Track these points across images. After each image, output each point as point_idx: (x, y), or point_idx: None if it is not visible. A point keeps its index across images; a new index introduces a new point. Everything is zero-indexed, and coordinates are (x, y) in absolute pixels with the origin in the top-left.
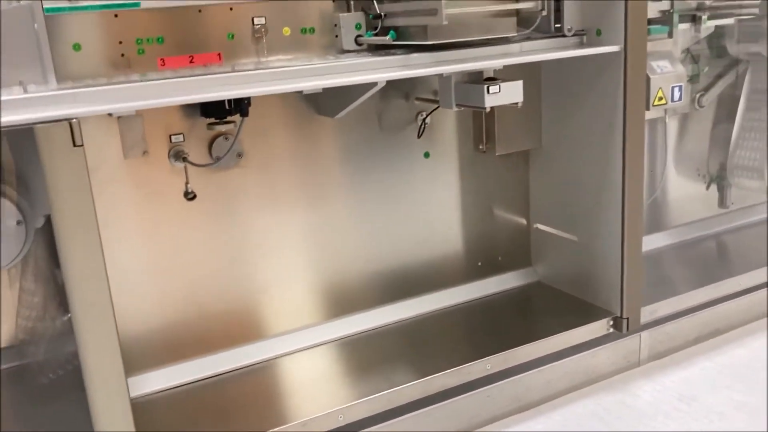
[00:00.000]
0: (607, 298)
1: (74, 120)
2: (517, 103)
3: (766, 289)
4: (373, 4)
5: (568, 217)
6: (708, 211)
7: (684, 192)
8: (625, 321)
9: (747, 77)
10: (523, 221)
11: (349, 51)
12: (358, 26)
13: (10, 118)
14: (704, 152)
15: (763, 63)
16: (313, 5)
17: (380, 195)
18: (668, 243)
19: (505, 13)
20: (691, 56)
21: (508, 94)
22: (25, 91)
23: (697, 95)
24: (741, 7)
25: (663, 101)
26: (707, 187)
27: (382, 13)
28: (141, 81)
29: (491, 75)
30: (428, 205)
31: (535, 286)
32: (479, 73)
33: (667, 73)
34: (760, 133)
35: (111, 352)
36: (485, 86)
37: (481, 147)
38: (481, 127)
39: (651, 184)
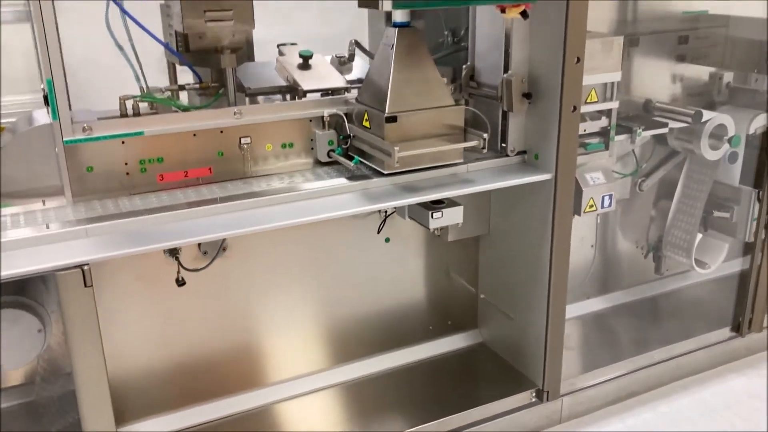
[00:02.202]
0: (533, 369)
1: (86, 267)
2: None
3: (680, 357)
4: (345, 125)
5: (507, 293)
6: (646, 277)
7: (628, 259)
8: (545, 393)
9: (685, 166)
10: (473, 289)
11: (323, 163)
12: (330, 142)
13: (31, 268)
14: (645, 225)
15: (699, 156)
16: (292, 124)
17: (346, 271)
18: (609, 305)
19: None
20: (633, 152)
21: (450, 217)
22: (44, 204)
23: (639, 181)
24: (676, 115)
25: (593, 208)
26: (645, 256)
27: (351, 134)
28: (140, 213)
29: None
30: (386, 281)
31: (479, 348)
32: None
33: (599, 185)
34: (691, 217)
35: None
36: (429, 212)
37: (435, 232)
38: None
39: (603, 252)
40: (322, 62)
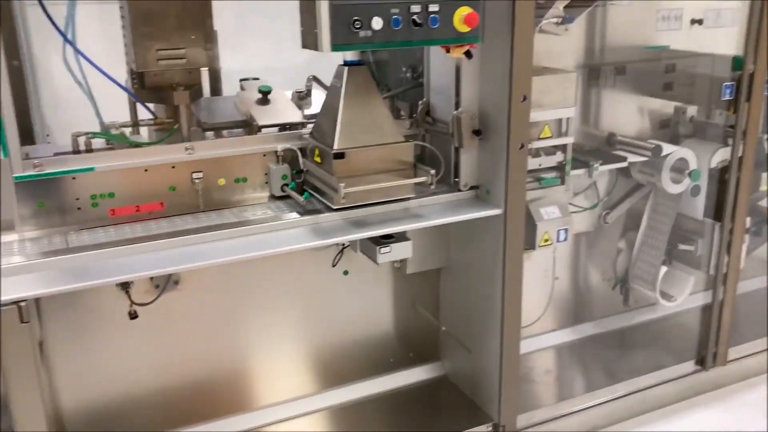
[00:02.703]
0: (490, 403)
1: (23, 303)
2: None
3: (646, 391)
4: (298, 160)
5: (466, 325)
6: (615, 309)
7: (597, 291)
8: (501, 427)
9: (650, 199)
10: (436, 321)
11: (277, 197)
12: (284, 177)
13: None
14: (612, 257)
15: (662, 189)
16: (246, 159)
17: (303, 304)
18: (577, 337)
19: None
20: (595, 185)
21: (399, 252)
22: None
23: (603, 213)
24: (637, 149)
25: (549, 242)
26: (612, 288)
27: (305, 169)
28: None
29: None
30: (345, 313)
31: (440, 381)
32: None
33: (554, 219)
34: (656, 250)
35: None
36: (378, 247)
37: (396, 265)
38: None
39: (573, 283)
40: (281, 97)
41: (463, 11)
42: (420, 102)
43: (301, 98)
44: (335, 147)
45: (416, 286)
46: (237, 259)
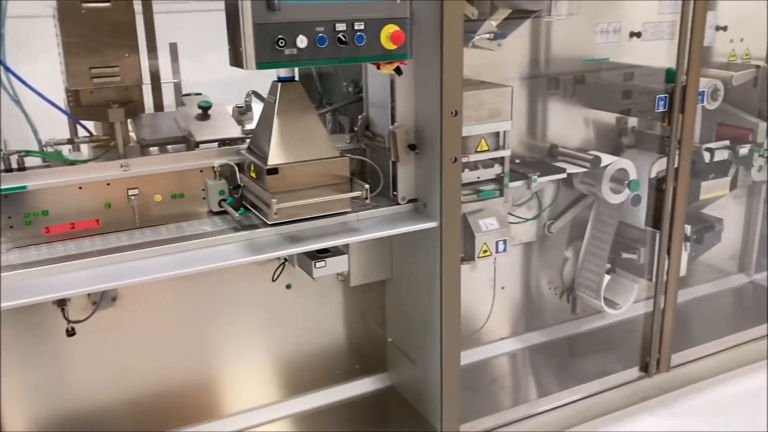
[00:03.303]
0: (433, 414)
1: None
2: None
3: (590, 398)
4: (236, 175)
5: (410, 336)
6: (564, 317)
7: (546, 300)
8: None
9: (593, 208)
10: (382, 333)
11: (215, 212)
12: (221, 192)
13: None
14: (559, 266)
15: (604, 199)
16: (182, 175)
17: (247, 317)
18: (525, 345)
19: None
20: (537, 196)
21: (335, 266)
22: None
23: (548, 223)
24: (577, 160)
25: (488, 254)
26: (560, 297)
27: (242, 185)
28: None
29: None
30: (290, 326)
31: (387, 392)
32: None
33: (492, 231)
34: (600, 259)
35: None
36: (313, 262)
37: (339, 277)
38: None
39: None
40: (221, 113)
41: (390, 29)
42: (360, 116)
43: (242, 113)
44: (268, 163)
45: (363, 297)
46: (167, 276)
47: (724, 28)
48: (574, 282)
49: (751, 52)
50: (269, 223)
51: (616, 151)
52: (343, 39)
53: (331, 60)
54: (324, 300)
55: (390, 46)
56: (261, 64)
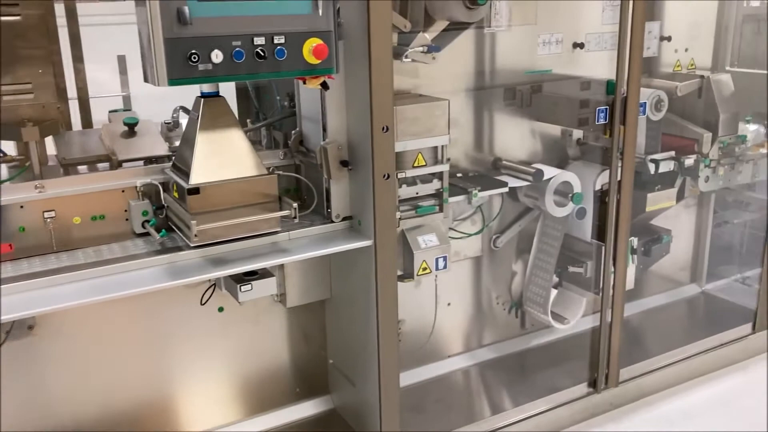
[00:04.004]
0: None
1: None
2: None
3: (539, 416)
4: (161, 194)
5: (350, 358)
6: (514, 332)
7: (496, 315)
8: None
9: (539, 222)
10: (324, 354)
11: (139, 234)
12: (144, 213)
13: None
14: (507, 281)
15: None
16: (103, 196)
17: (179, 342)
18: (473, 363)
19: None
20: (480, 209)
21: (262, 289)
22: None
23: (494, 237)
24: (520, 173)
25: (427, 271)
26: (508, 312)
27: (165, 204)
28: None
29: None
30: (226, 350)
31: (329, 415)
32: None
33: (432, 247)
34: (547, 273)
35: None
36: (238, 286)
37: (275, 298)
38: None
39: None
40: (148, 130)
41: (312, 43)
42: (293, 131)
43: (170, 130)
44: (190, 182)
45: (304, 318)
46: (77, 304)
47: (668, 39)
48: (522, 296)
49: (697, 63)
50: (191, 245)
51: (563, 163)
52: (262, 53)
53: (251, 75)
54: (261, 322)
55: (313, 60)
56: (173, 81)
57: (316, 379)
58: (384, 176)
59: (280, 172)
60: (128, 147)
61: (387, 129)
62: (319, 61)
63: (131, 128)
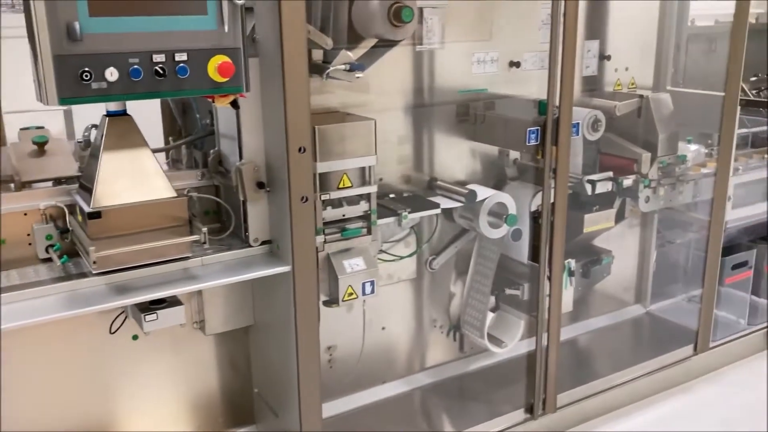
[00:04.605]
0: None
1: None
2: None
3: None
4: (65, 217)
5: (273, 388)
6: (452, 356)
7: (434, 339)
8: None
9: (476, 243)
10: (249, 383)
11: (43, 260)
12: (49, 237)
13: None
14: (445, 303)
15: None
16: (4, 218)
17: (89, 374)
18: (409, 388)
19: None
20: (414, 230)
21: (169, 318)
22: None
23: (429, 258)
24: (454, 194)
25: (353, 296)
26: (447, 335)
27: (70, 228)
28: None
29: None
30: (140, 382)
31: None
32: None
33: (358, 272)
34: (483, 295)
35: None
36: (142, 315)
37: (194, 325)
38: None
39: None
40: (60, 149)
41: (218, 60)
42: (211, 151)
43: (83, 149)
44: (91, 205)
45: (228, 345)
46: None
47: (608, 57)
48: (460, 319)
49: (638, 82)
50: (94, 272)
51: (501, 184)
52: (161, 71)
53: (151, 94)
54: (181, 350)
55: (219, 78)
56: (64, 100)
57: (241, 409)
58: (302, 199)
59: (195, 194)
60: (36, 167)
61: (303, 150)
62: (225, 79)
63: (40, 147)
